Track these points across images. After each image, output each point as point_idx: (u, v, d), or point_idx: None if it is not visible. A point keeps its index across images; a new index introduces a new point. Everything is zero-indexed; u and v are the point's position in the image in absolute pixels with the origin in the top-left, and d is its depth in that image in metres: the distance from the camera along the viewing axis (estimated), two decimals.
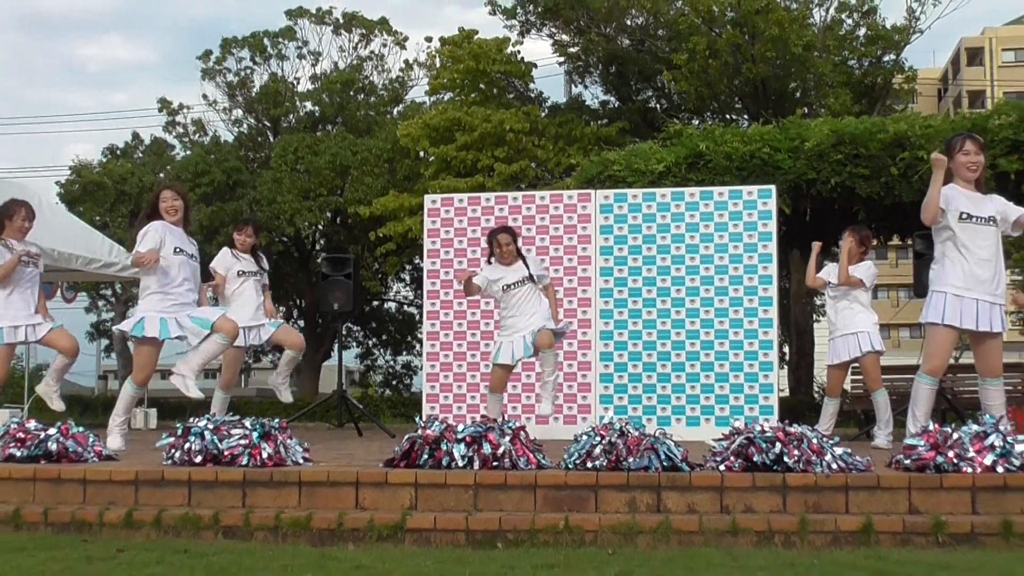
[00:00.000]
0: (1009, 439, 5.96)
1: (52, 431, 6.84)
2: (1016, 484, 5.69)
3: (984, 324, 7.31)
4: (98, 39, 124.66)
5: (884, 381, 9.77)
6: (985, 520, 5.53)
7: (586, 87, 28.45)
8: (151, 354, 8.41)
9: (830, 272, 9.58)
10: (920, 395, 7.54)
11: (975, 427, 6.09)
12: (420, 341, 14.91)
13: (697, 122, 23.22)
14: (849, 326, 9.35)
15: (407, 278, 31.22)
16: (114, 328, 9.09)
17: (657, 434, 6.21)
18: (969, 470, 5.79)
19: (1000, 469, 5.79)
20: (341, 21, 33.72)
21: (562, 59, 27.53)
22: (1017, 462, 5.85)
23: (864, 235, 9.59)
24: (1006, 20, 65.81)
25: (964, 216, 7.25)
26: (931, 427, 6.33)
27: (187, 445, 6.45)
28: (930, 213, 7.28)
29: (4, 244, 8.74)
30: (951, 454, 5.89)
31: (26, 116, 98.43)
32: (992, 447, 5.89)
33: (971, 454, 5.86)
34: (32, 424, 7.00)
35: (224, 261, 9.97)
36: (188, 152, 32.51)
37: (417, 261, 27.14)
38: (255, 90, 33.02)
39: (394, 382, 36.17)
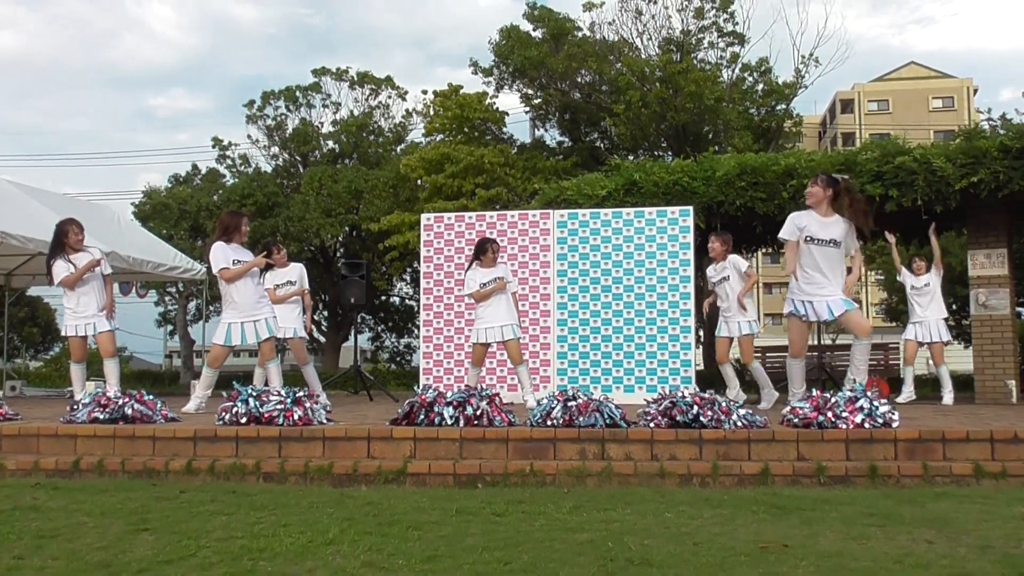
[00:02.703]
0: (875, 403, 6.00)
1: (128, 399, 6.79)
2: (880, 437, 5.72)
3: (814, 315, 7.48)
4: (165, 92, 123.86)
5: (776, 356, 9.84)
6: (856, 465, 5.56)
7: (546, 130, 28.44)
8: (222, 351, 8.29)
9: (712, 272, 9.84)
10: (792, 372, 7.71)
11: (848, 393, 6.13)
12: (418, 327, 14.82)
13: (632, 158, 23.25)
14: (736, 315, 9.62)
15: (408, 278, 31.10)
16: (214, 342, 8.87)
17: (601, 399, 6.21)
18: (844, 426, 5.82)
19: (867, 425, 5.83)
20: (356, 79, 33.57)
21: (528, 108, 27.50)
22: (880, 420, 5.88)
23: (725, 238, 9.82)
24: (871, 78, 66.33)
25: (808, 239, 7.39)
26: (814, 393, 6.36)
27: (235, 409, 6.41)
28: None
29: (65, 259, 8.69)
30: (830, 414, 5.92)
31: (109, 152, 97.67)
32: (861, 408, 5.93)
33: (845, 414, 5.89)
34: (112, 393, 6.94)
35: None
36: (236, 180, 32.27)
37: (416, 265, 27.04)
38: (288, 132, 32.85)
39: (397, 359, 36.04)
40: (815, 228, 7.37)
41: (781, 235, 7.52)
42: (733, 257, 9.77)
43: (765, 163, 11.95)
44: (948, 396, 10.88)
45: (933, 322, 11.00)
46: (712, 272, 9.86)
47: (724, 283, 9.70)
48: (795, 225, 7.43)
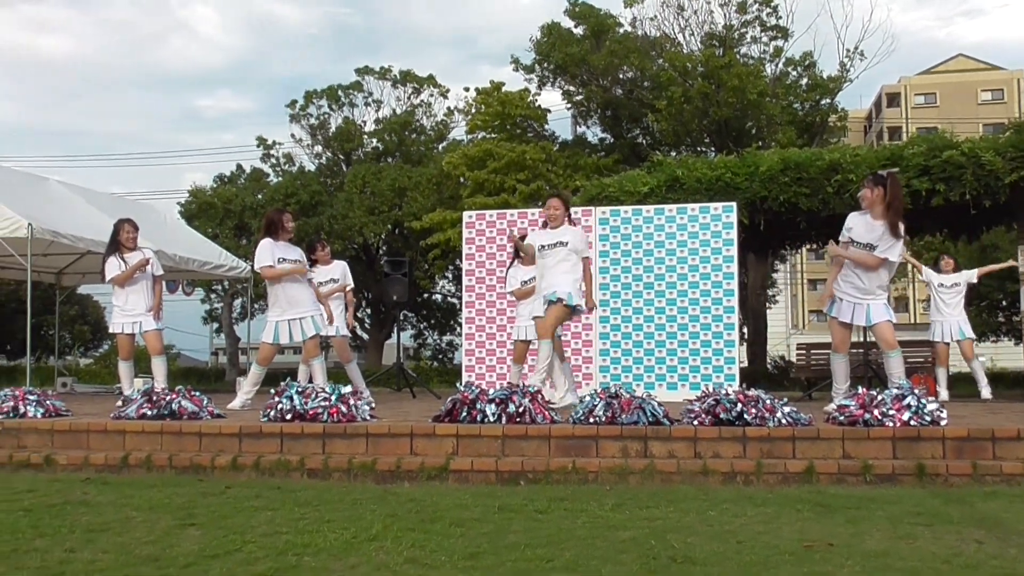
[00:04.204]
0: (922, 400, 5.92)
1: (176, 395, 6.88)
2: (927, 435, 5.65)
3: (851, 319, 7.30)
4: (211, 93, 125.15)
5: (821, 353, 9.64)
6: (903, 463, 5.49)
7: (588, 127, 28.38)
8: (270, 349, 8.36)
9: (547, 238, 8.18)
10: (834, 367, 7.56)
11: (895, 391, 6.05)
12: (460, 324, 14.81)
13: (674, 154, 23.13)
14: (552, 284, 8.05)
15: (450, 276, 31.18)
16: (263, 340, 9.00)
17: (644, 396, 6.19)
18: (890, 424, 5.75)
19: (914, 423, 5.75)
20: (398, 77, 33.69)
21: (569, 105, 27.48)
22: (928, 418, 5.80)
23: (566, 197, 8.55)
24: (917, 71, 65.31)
25: (852, 241, 7.25)
26: (860, 390, 6.28)
27: (280, 405, 6.47)
28: (871, 263, 7.19)
29: (118, 257, 8.87)
30: (876, 412, 5.85)
31: (155, 152, 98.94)
32: (908, 406, 5.85)
33: (892, 412, 5.82)
34: (160, 390, 7.04)
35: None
36: (280, 179, 32.54)
37: (458, 263, 27.11)
38: (331, 130, 33.05)
39: (440, 356, 36.16)
40: (860, 230, 7.24)
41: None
42: (576, 230, 8.18)
43: (809, 158, 11.85)
44: (986, 390, 10.70)
45: (959, 321, 10.79)
46: (547, 237, 8.14)
47: (556, 249, 7.99)
48: (845, 226, 7.35)
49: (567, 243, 7.99)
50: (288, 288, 8.22)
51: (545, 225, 8.24)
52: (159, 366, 9.05)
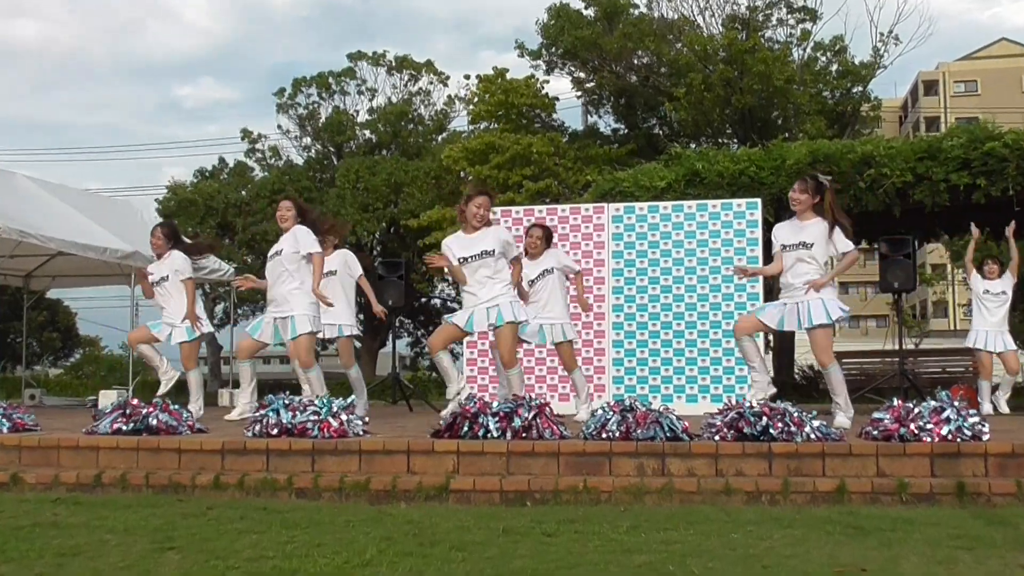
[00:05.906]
0: (962, 413, 5.91)
1: (153, 408, 6.88)
2: (968, 451, 5.64)
3: (791, 325, 7.39)
4: (193, 81, 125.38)
5: (853, 362, 9.61)
6: (942, 482, 5.48)
7: (600, 116, 28.45)
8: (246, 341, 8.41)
9: (529, 271, 8.78)
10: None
11: (933, 403, 6.04)
12: None
13: (694, 145, 23.13)
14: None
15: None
16: (247, 331, 9.20)
17: (661, 409, 6.19)
18: (928, 439, 5.74)
19: (954, 438, 5.74)
20: (394, 63, 33.79)
21: (579, 93, 27.52)
22: (969, 433, 5.79)
23: (549, 232, 8.96)
24: (957, 57, 65.26)
25: (783, 247, 7.36)
26: (895, 402, 6.27)
27: (266, 419, 6.47)
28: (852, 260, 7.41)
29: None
30: (912, 426, 5.84)
31: (132, 145, 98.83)
32: (948, 420, 5.84)
33: (930, 426, 5.81)
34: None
35: None
36: (266, 174, 32.62)
37: None
38: (321, 121, 33.13)
39: None
40: (785, 233, 7.38)
41: None
42: (556, 252, 8.95)
43: (840, 150, 11.85)
44: (1002, 403, 10.69)
45: (1002, 331, 10.70)
46: (528, 270, 8.59)
47: (546, 276, 8.68)
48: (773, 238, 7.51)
49: (553, 268, 8.66)
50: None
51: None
52: (190, 380, 9.06)
